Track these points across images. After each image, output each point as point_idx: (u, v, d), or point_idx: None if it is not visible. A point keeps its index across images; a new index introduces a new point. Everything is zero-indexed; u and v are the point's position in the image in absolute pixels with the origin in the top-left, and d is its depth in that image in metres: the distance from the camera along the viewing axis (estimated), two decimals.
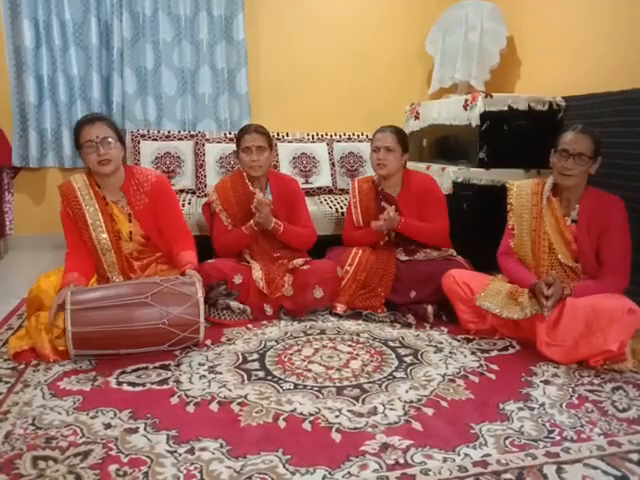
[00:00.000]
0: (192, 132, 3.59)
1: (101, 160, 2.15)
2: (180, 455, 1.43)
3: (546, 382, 1.88)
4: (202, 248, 2.48)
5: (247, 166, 2.57)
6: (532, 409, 1.70)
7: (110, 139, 2.16)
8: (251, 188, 2.60)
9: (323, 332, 2.32)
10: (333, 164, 3.63)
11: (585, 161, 2.12)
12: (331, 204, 3.24)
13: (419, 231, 2.60)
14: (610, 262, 2.11)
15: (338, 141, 3.74)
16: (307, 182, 3.49)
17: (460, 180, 3.02)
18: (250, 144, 2.55)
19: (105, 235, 2.21)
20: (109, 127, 2.20)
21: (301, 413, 1.65)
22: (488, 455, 1.45)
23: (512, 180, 2.44)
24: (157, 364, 1.96)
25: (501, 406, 1.71)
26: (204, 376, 1.89)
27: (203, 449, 1.46)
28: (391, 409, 1.68)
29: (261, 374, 1.92)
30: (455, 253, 2.69)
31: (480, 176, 3.02)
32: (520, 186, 2.32)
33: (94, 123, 2.16)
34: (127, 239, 2.27)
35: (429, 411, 1.68)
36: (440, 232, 2.64)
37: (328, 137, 3.75)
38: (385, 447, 1.48)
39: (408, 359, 2.06)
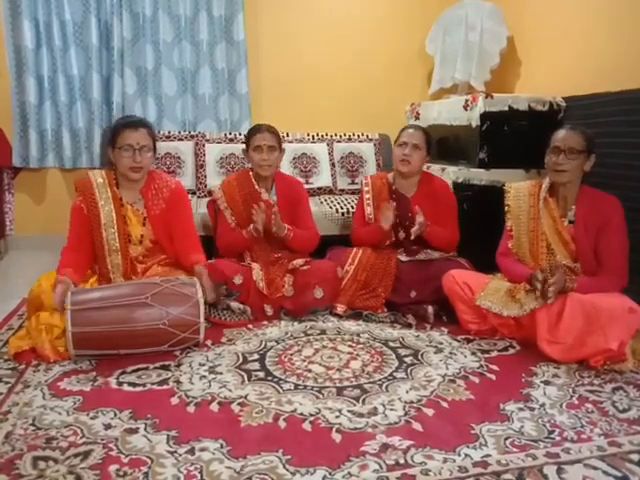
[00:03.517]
0: (192, 132, 3.59)
1: (134, 167, 2.18)
2: (180, 455, 1.43)
3: (546, 382, 1.88)
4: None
5: (257, 165, 2.58)
6: (532, 409, 1.70)
7: (147, 148, 2.21)
8: (257, 187, 2.61)
9: (323, 332, 2.32)
10: (333, 164, 3.63)
11: (576, 156, 2.13)
12: (331, 204, 3.24)
13: (439, 238, 2.60)
14: (608, 261, 2.12)
15: (338, 141, 3.74)
16: (307, 182, 3.49)
17: (460, 180, 3.02)
18: (261, 143, 2.55)
19: (115, 236, 2.21)
20: (149, 135, 2.25)
21: (301, 413, 1.65)
22: (488, 455, 1.45)
23: (512, 180, 2.45)
24: (157, 364, 1.96)
25: (501, 406, 1.71)
26: (204, 376, 1.89)
27: (203, 449, 1.46)
28: (391, 409, 1.68)
29: (261, 374, 1.92)
30: (456, 254, 2.69)
31: (480, 176, 3.02)
32: (517, 188, 2.35)
33: (137, 129, 2.20)
34: (136, 242, 2.28)
35: (429, 411, 1.68)
36: (453, 240, 2.66)
37: (328, 137, 3.74)
38: (385, 447, 1.48)
39: (408, 359, 2.06)
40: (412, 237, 2.51)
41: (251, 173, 2.65)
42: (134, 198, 2.29)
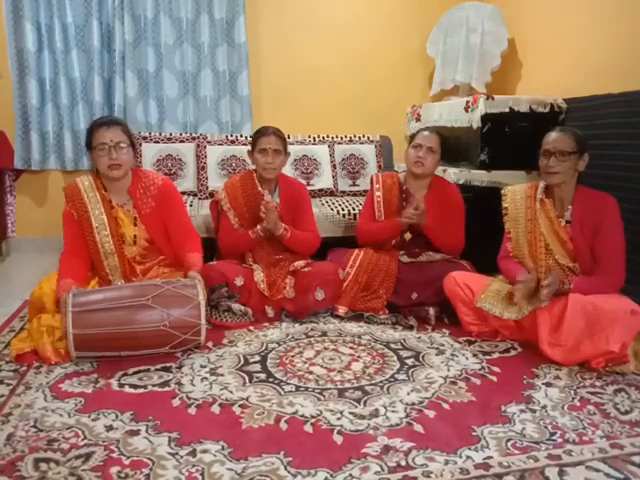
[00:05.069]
0: (194, 134, 3.59)
1: (112, 164, 2.17)
2: (182, 457, 1.43)
3: (548, 384, 1.88)
4: (204, 250, 2.48)
5: (261, 167, 2.58)
6: (534, 411, 1.70)
7: (123, 144, 2.19)
8: (260, 189, 2.61)
9: (325, 334, 2.32)
10: (334, 166, 3.64)
11: (567, 157, 2.14)
12: (332, 206, 3.24)
13: (442, 235, 2.60)
14: (605, 260, 2.11)
15: (339, 143, 3.74)
16: (308, 184, 3.49)
17: (461, 182, 3.02)
18: (267, 146, 2.55)
19: (109, 238, 2.21)
20: (123, 132, 2.22)
21: (303, 415, 1.65)
22: (490, 457, 1.45)
23: (513, 182, 2.45)
24: (159, 366, 1.96)
25: (503, 408, 1.71)
26: (206, 378, 1.89)
27: (205, 451, 1.46)
28: (393, 411, 1.68)
29: (262, 376, 1.92)
30: (457, 255, 2.69)
31: (481, 178, 3.02)
32: (514, 190, 2.36)
33: (109, 127, 2.18)
34: (131, 243, 2.27)
35: (431, 413, 1.68)
36: (457, 244, 2.66)
37: (329, 139, 3.74)
38: (387, 449, 1.48)
39: (410, 361, 2.06)
40: (404, 220, 2.54)
41: (255, 175, 2.66)
42: (123, 199, 2.29)
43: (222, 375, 1.92)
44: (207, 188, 3.39)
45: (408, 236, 2.66)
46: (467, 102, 3.13)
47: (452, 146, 3.31)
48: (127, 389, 1.80)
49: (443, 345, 2.22)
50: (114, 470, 1.37)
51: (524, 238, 2.27)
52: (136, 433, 1.54)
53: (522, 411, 1.70)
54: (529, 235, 2.26)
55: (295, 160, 3.56)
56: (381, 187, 2.76)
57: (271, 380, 1.89)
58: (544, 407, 1.72)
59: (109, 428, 1.56)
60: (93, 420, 1.61)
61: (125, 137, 2.21)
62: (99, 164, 2.19)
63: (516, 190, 2.35)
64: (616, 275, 2.11)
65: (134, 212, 2.28)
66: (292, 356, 2.09)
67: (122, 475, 1.36)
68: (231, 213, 2.62)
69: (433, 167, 2.68)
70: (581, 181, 2.23)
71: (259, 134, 2.62)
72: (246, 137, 3.54)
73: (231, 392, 1.79)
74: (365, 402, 1.74)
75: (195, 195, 3.40)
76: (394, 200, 2.71)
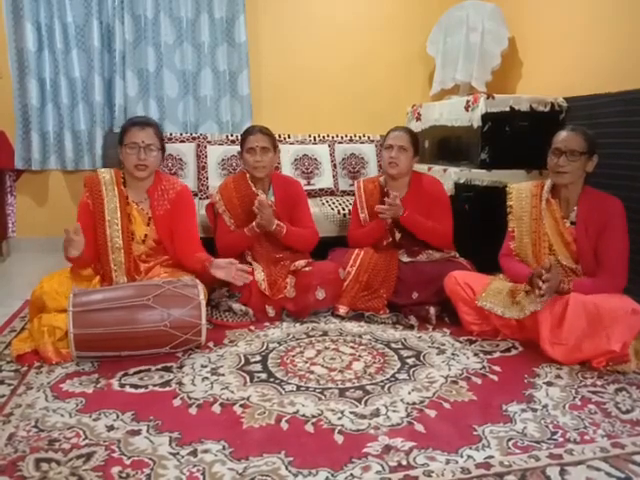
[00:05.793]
0: (194, 134, 3.60)
1: (139, 164, 2.22)
2: (183, 457, 1.43)
3: (549, 383, 1.88)
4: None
5: (251, 167, 2.58)
6: (535, 410, 1.70)
7: (153, 147, 2.25)
8: (254, 189, 2.61)
9: (325, 334, 2.32)
10: (335, 165, 3.63)
11: (577, 157, 2.13)
12: (333, 205, 3.24)
13: (422, 226, 2.59)
14: (607, 262, 2.11)
15: (340, 142, 3.74)
16: (309, 183, 3.49)
17: (462, 181, 3.02)
18: (254, 145, 2.56)
19: (119, 234, 2.23)
20: (156, 135, 2.29)
21: (303, 415, 1.65)
22: (491, 457, 1.45)
23: (514, 181, 2.44)
24: (159, 366, 1.96)
25: (504, 407, 1.71)
26: (206, 378, 1.89)
27: (206, 451, 1.46)
28: (394, 411, 1.68)
29: (263, 376, 1.92)
30: (457, 255, 2.69)
31: (482, 177, 3.02)
32: (519, 189, 2.34)
33: (143, 127, 2.25)
34: (139, 241, 2.29)
35: (432, 413, 1.68)
36: (443, 234, 2.64)
37: (330, 138, 3.74)
38: (388, 449, 1.48)
39: (410, 361, 2.06)
40: (381, 215, 2.52)
41: (248, 175, 2.66)
42: (140, 197, 2.32)
43: (223, 375, 1.92)
44: (207, 188, 3.39)
45: (398, 236, 2.66)
46: (467, 101, 3.12)
47: (452, 145, 3.32)
48: (128, 389, 1.80)
49: (444, 344, 2.21)
50: (115, 470, 1.37)
51: (528, 237, 2.27)
52: (137, 433, 1.54)
53: (523, 410, 1.70)
54: (533, 235, 2.25)
55: (295, 160, 3.56)
56: (363, 193, 2.78)
57: (272, 380, 1.88)
58: (545, 406, 1.72)
59: (110, 428, 1.56)
60: (94, 420, 1.61)
61: (157, 140, 2.28)
62: (127, 161, 2.25)
63: (521, 188, 2.34)
64: (617, 277, 2.10)
65: (149, 212, 2.31)
66: (293, 356, 2.09)
67: (123, 475, 1.36)
68: (226, 215, 2.62)
69: (408, 165, 2.67)
70: (586, 181, 2.22)
71: (246, 134, 2.63)
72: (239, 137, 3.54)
73: (232, 392, 1.79)
74: (366, 402, 1.74)
75: (195, 195, 3.39)
76: (377, 204, 2.71)
